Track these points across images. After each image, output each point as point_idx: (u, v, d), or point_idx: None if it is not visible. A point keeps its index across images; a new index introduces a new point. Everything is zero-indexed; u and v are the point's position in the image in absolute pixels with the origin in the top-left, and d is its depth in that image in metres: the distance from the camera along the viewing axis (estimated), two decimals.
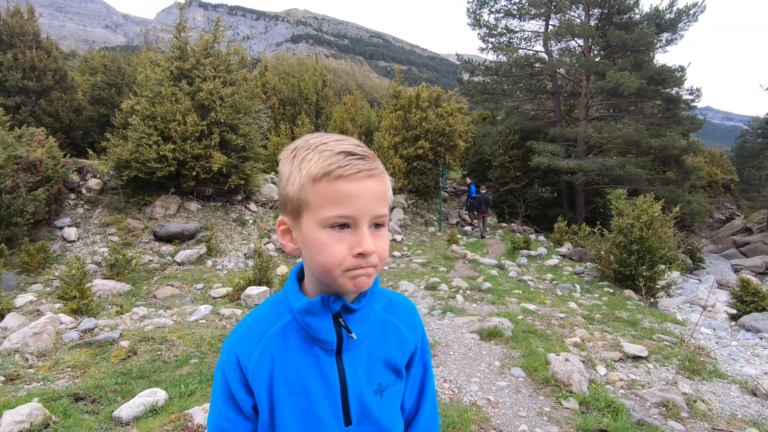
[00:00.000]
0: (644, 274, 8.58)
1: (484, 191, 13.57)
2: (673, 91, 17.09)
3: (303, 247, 0.71)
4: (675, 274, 10.09)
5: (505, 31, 18.98)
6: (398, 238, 12.09)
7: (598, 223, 12.19)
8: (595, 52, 18.00)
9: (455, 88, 17.87)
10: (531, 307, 6.71)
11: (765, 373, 5.43)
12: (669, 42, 17.48)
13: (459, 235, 13.31)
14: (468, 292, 7.45)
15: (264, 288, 6.39)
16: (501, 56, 19.20)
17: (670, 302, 9.49)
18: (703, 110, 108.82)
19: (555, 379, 3.80)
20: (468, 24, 19.23)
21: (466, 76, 20.21)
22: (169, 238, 9.23)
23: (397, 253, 10.64)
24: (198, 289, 7.45)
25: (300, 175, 0.67)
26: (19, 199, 7.53)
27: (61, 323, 4.66)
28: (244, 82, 11.46)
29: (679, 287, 10.48)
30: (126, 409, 2.97)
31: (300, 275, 0.80)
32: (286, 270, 8.28)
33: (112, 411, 2.97)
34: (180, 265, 8.56)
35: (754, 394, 4.52)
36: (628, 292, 8.49)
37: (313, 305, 0.72)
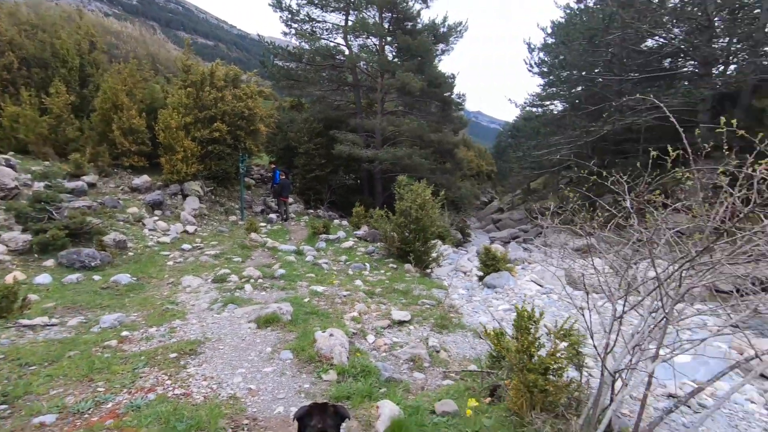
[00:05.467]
0: (420, 249, 9.95)
1: (283, 177, 14.07)
2: (447, 95, 20.26)
3: None
4: (443, 246, 12.02)
5: (307, 18, 19.02)
6: (190, 229, 10.91)
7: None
8: (389, 52, 19.80)
9: (255, 70, 17.09)
10: (320, 288, 6.93)
11: (492, 320, 6.95)
12: (444, 52, 20.57)
13: (262, 223, 12.92)
14: (259, 280, 7.22)
15: None
16: (304, 43, 19.23)
17: (441, 271, 11.28)
18: (475, 113, 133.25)
19: (319, 355, 3.95)
20: (269, 5, 18.55)
21: (271, 59, 19.53)
22: None
23: (186, 246, 9.57)
24: None
25: None
26: None
27: None
28: None
29: (448, 258, 12.58)
30: None
31: None
32: None
33: None
34: None
35: (480, 337, 5.69)
36: (407, 266, 9.67)
37: None
